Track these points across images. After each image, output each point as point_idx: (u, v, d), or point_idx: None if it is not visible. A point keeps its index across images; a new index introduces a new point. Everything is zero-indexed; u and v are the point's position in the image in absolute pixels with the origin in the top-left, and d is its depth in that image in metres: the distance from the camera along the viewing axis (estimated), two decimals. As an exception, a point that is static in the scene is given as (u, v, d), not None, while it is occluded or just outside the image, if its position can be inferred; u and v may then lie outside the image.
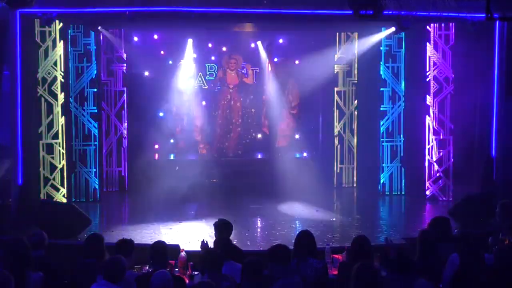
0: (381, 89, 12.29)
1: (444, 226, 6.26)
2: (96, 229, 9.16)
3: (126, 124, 12.69)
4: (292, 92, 13.52)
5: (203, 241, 6.45)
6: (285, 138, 13.59)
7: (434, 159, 11.81)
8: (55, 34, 10.83)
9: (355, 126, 13.34)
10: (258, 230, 9.79)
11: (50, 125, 10.91)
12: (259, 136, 14.05)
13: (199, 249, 6.43)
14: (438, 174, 11.80)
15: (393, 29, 11.36)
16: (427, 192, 11.83)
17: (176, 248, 6.62)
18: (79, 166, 11.64)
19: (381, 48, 12.18)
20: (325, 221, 9.99)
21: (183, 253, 6.31)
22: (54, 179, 10.91)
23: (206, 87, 13.86)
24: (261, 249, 7.88)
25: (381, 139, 12.35)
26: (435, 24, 11.53)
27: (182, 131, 13.31)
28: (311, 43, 13.15)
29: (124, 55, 12.60)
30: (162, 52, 13.45)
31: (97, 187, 11.71)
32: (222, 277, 5.16)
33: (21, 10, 9.68)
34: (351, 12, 7.91)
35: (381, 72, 12.23)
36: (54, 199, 10.69)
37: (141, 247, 6.50)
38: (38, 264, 5.38)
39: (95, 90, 11.66)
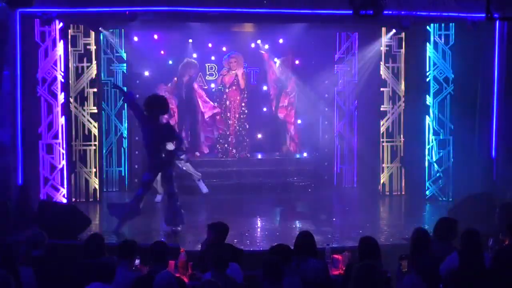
0: (381, 89, 12.30)
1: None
2: (96, 229, 9.15)
3: (126, 124, 12.69)
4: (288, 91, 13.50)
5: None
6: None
7: (434, 159, 11.81)
8: (55, 34, 10.82)
9: (355, 126, 13.34)
10: (258, 230, 9.79)
11: (50, 125, 10.91)
12: (259, 136, 14.05)
13: (198, 249, 6.42)
14: (438, 174, 11.80)
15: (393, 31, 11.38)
16: (427, 192, 11.82)
17: (176, 248, 6.62)
18: (79, 166, 11.65)
19: (381, 48, 12.19)
20: (325, 221, 9.99)
21: (183, 253, 6.31)
22: (54, 179, 10.91)
23: (206, 87, 13.85)
24: (261, 249, 7.89)
25: (381, 139, 12.34)
26: (435, 24, 11.52)
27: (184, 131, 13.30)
28: (311, 43, 13.12)
29: (124, 55, 12.60)
30: (162, 52, 13.44)
31: (97, 187, 11.72)
32: (225, 276, 5.15)
33: (21, 10, 9.68)
34: (351, 12, 7.91)
35: (381, 72, 12.23)
36: (54, 199, 10.69)
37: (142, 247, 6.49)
38: (37, 263, 5.38)
39: (95, 90, 11.67)
